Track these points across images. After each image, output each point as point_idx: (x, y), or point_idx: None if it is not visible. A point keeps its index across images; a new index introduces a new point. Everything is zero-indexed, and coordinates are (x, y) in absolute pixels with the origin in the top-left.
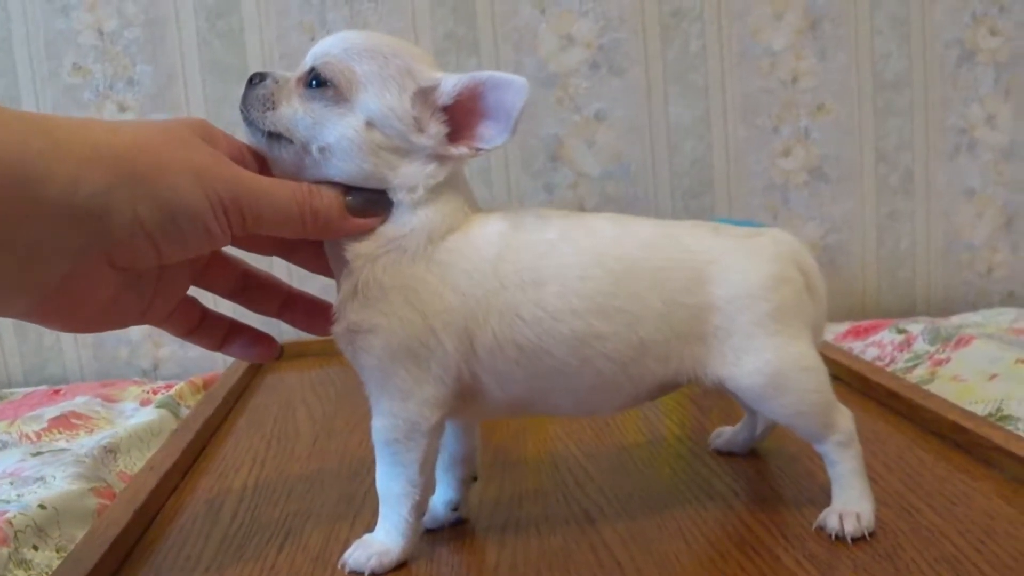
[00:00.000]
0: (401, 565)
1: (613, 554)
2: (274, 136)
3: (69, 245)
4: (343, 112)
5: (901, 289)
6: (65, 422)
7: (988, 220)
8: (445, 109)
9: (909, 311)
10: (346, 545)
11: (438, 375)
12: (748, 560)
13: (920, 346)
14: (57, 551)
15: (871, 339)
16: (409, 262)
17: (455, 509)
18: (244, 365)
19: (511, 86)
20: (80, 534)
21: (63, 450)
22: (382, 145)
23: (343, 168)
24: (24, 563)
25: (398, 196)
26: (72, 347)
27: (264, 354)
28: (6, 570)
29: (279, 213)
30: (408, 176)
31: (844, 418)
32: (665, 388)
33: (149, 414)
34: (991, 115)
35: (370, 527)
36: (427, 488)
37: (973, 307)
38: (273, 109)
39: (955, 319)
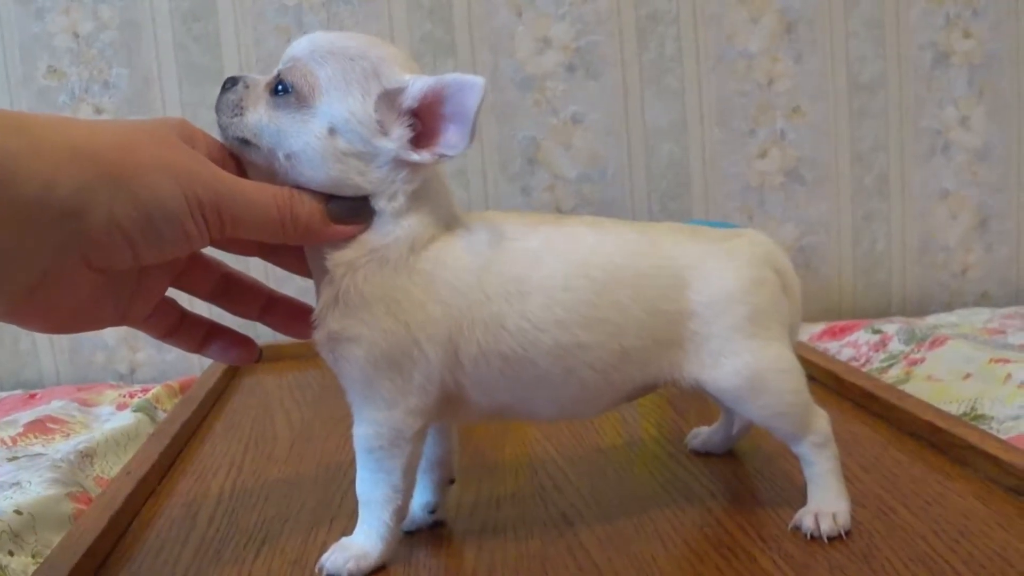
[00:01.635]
0: (378, 568)
1: (591, 556)
2: (244, 141)
3: (45, 245)
4: (306, 119)
5: (876, 290)
6: (41, 427)
7: (963, 221)
8: (413, 113)
9: (884, 312)
10: (324, 548)
11: (422, 385)
12: (725, 561)
13: (895, 346)
14: (33, 557)
15: (846, 339)
16: (391, 272)
17: (432, 512)
18: (221, 368)
19: (471, 87)
20: (56, 539)
21: (39, 455)
22: (346, 151)
23: (311, 175)
24: None
25: (379, 204)
26: (48, 351)
27: (244, 356)
28: None
29: (258, 217)
30: (380, 182)
31: (820, 419)
32: (644, 390)
33: (126, 418)
34: (965, 117)
35: (348, 531)
36: (408, 493)
37: (948, 307)
38: (241, 115)
39: (930, 319)
